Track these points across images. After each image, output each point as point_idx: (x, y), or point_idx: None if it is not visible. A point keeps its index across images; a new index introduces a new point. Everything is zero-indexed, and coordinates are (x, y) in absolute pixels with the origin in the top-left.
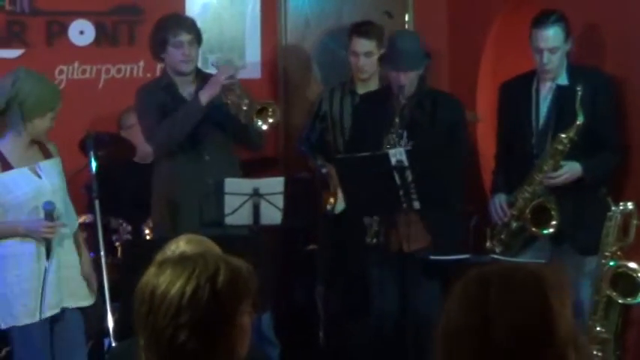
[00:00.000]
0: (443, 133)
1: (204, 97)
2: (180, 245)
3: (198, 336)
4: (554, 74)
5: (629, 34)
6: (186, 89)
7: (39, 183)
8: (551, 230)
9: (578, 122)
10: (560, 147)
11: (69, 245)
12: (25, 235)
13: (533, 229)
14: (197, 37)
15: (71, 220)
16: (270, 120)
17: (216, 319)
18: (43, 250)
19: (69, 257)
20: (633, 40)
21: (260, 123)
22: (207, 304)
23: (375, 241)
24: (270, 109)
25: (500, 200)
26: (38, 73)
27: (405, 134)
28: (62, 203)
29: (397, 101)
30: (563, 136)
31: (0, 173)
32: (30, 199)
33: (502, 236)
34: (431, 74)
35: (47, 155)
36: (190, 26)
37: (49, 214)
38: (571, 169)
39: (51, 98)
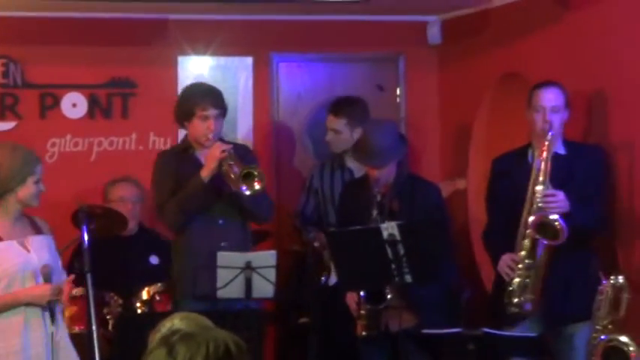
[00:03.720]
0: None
1: (205, 174)
2: (175, 323)
3: None
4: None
5: (617, 106)
6: (204, 153)
7: (27, 256)
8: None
9: None
10: None
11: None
12: (29, 303)
13: (545, 241)
14: (223, 110)
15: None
16: (257, 186)
17: None
18: (47, 315)
19: (63, 332)
20: (622, 113)
21: (245, 188)
22: None
23: (365, 333)
24: (256, 173)
25: (505, 257)
26: (10, 142)
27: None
28: (51, 280)
29: (372, 193)
30: None
31: None
32: (17, 270)
33: (527, 280)
34: (408, 155)
35: (37, 232)
36: (218, 100)
37: (48, 277)
38: (562, 195)
39: (24, 164)
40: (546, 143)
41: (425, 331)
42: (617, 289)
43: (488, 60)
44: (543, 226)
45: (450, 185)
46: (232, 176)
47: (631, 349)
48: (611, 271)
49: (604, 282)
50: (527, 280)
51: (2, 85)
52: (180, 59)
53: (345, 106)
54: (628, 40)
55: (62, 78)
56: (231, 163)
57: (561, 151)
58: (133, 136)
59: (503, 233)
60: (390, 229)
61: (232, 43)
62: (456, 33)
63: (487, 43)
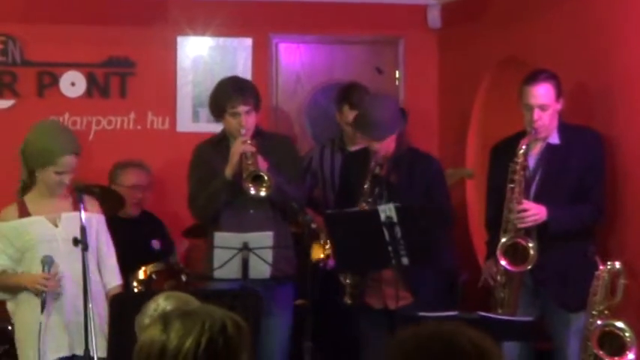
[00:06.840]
0: (421, 192)
1: (228, 171)
2: (160, 303)
3: None
4: (545, 133)
5: (616, 93)
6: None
7: (52, 230)
8: (529, 267)
9: None
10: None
11: (76, 292)
12: (26, 288)
13: (512, 269)
14: (255, 104)
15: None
16: (262, 193)
17: None
18: (38, 303)
19: (77, 303)
20: (620, 99)
21: (251, 188)
22: (222, 352)
23: (350, 302)
24: (266, 178)
25: (492, 264)
26: (57, 125)
27: (384, 195)
28: (74, 254)
29: (369, 167)
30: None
31: (15, 220)
32: (39, 242)
33: (502, 295)
34: (408, 132)
35: (77, 209)
36: (249, 95)
37: (47, 267)
38: (536, 206)
39: (49, 153)
40: (521, 152)
41: (421, 313)
42: (614, 274)
43: (487, 44)
44: (514, 248)
45: (456, 174)
46: (244, 174)
47: (627, 334)
48: (607, 257)
49: (600, 267)
50: (502, 295)
51: (1, 63)
52: (179, 39)
53: (362, 95)
54: (629, 26)
55: (61, 56)
56: (249, 162)
57: (555, 140)
58: (131, 115)
59: (496, 226)
60: (387, 211)
61: (232, 24)
62: (456, 17)
63: (487, 27)
